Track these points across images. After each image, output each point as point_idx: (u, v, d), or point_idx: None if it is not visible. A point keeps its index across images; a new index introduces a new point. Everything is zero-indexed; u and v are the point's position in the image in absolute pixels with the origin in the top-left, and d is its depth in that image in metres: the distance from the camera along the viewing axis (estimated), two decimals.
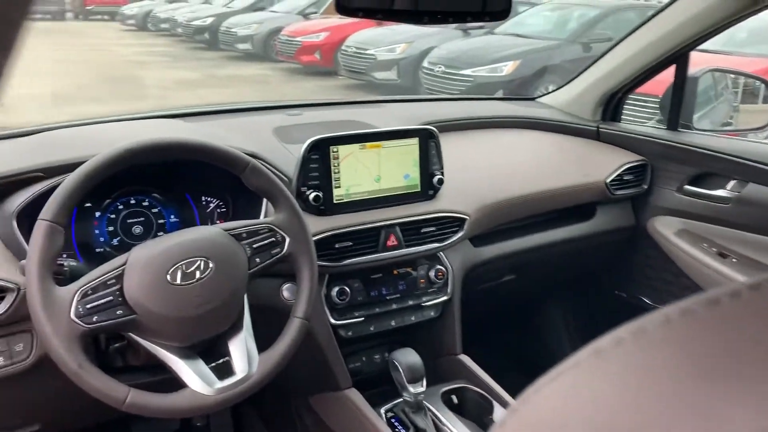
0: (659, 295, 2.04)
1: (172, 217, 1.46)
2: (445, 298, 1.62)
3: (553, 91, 2.30)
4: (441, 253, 1.61)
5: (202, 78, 9.84)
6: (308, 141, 1.42)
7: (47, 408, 1.32)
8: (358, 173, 1.49)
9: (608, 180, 1.90)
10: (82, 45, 13.43)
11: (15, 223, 1.21)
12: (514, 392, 1.56)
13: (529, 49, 7.35)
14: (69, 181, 1.06)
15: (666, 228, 1.93)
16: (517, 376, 2.23)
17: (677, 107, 1.94)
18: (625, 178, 1.94)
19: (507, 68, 7.11)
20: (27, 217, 1.17)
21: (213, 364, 1.14)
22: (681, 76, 1.90)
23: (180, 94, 8.30)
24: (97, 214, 1.39)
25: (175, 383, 1.10)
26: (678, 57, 1.86)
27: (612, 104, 2.08)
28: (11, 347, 1.21)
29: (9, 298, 1.17)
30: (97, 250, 1.39)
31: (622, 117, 2.14)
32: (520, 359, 2.32)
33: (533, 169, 1.85)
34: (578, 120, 2.10)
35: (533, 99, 2.32)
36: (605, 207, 1.97)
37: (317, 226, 1.42)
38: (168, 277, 1.08)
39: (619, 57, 1.98)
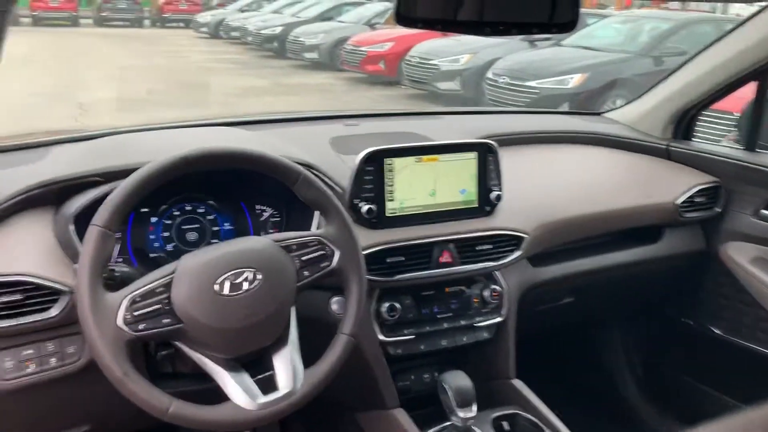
0: (730, 325, 1.91)
1: (227, 224, 1.46)
2: (499, 319, 1.56)
3: (622, 106, 2.21)
4: (497, 272, 1.55)
5: (269, 86, 10.03)
6: (363, 153, 1.39)
7: (96, 410, 1.33)
8: (413, 187, 1.45)
9: (678, 201, 1.80)
10: (157, 51, 13.94)
11: (72, 227, 1.23)
12: (569, 421, 1.49)
13: (597, 62, 7.16)
14: (122, 188, 1.06)
15: (740, 254, 1.81)
16: (573, 404, 2.13)
17: (756, 126, 1.82)
18: (697, 200, 1.83)
19: (574, 81, 6.95)
20: (84, 220, 1.18)
21: (257, 378, 1.12)
22: (762, 93, 1.78)
23: (246, 101, 8.48)
24: (154, 219, 1.40)
25: (221, 394, 1.09)
26: (760, 73, 1.75)
27: (684, 121, 1.97)
28: (63, 349, 1.22)
29: (62, 301, 1.18)
30: (152, 255, 1.40)
31: (695, 135, 2.03)
32: (576, 386, 2.22)
33: (598, 188, 1.77)
34: (647, 137, 2.00)
35: (600, 114, 2.23)
36: (674, 230, 1.86)
37: (369, 239, 1.39)
38: (216, 287, 1.06)
39: (695, 72, 1.87)
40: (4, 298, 1.14)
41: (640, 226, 1.80)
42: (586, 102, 6.76)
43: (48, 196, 1.30)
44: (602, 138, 1.98)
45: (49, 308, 1.18)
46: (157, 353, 1.28)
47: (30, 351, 1.20)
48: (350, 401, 1.63)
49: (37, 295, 1.17)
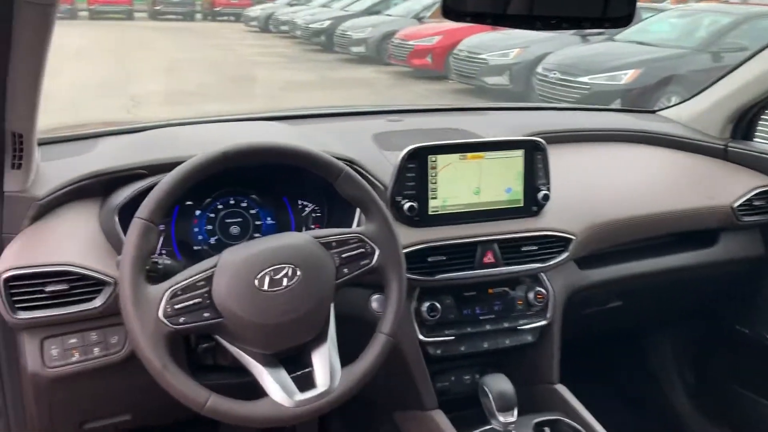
0: None
1: (269, 219, 1.46)
2: (543, 322, 1.51)
3: (677, 104, 2.12)
4: (542, 274, 1.51)
5: (315, 80, 10.08)
6: (406, 149, 1.37)
7: (138, 400, 1.35)
8: (457, 184, 1.42)
9: (736, 204, 1.72)
10: (208, 45, 14.18)
11: (116, 218, 1.24)
12: (615, 428, 1.44)
13: (652, 58, 6.94)
14: (165, 181, 1.06)
15: None
16: (618, 412, 2.07)
17: None
18: (756, 203, 1.75)
19: (627, 77, 6.75)
20: (128, 212, 1.19)
21: (295, 374, 1.11)
22: None
23: (292, 94, 8.54)
24: (198, 212, 1.41)
25: (260, 389, 1.09)
26: None
27: (744, 121, 1.88)
28: (107, 339, 1.24)
29: (106, 292, 1.20)
30: (195, 248, 1.41)
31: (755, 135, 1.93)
32: (622, 393, 2.16)
33: (650, 189, 1.70)
34: (704, 137, 1.92)
35: (654, 112, 2.15)
36: (730, 234, 1.78)
37: (410, 237, 1.37)
38: (256, 282, 1.06)
39: (757, 69, 1.78)
40: (50, 288, 1.17)
41: (694, 229, 1.73)
42: (639, 99, 6.56)
43: (95, 188, 1.32)
44: (656, 137, 1.91)
45: (93, 298, 1.20)
46: (198, 346, 1.29)
47: (74, 340, 1.22)
48: (388, 400, 1.61)
49: (82, 285, 1.19)
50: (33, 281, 1.16)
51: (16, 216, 1.24)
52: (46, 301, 1.17)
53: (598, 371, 2.01)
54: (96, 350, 1.23)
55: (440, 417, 1.42)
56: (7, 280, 1.15)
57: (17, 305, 1.16)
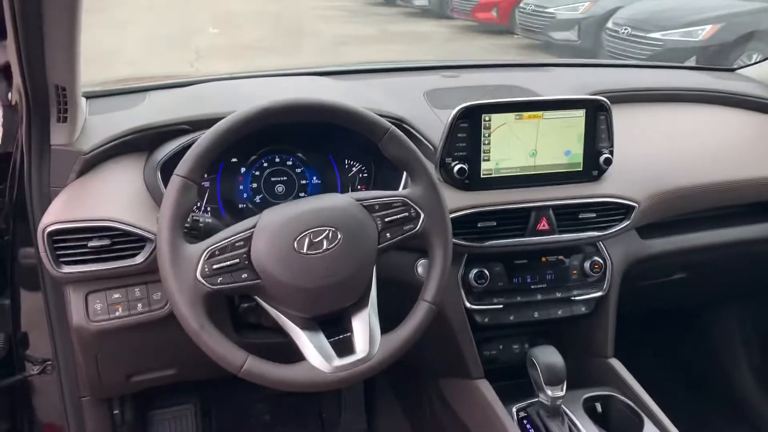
0: None
1: (314, 178, 1.42)
2: (599, 293, 1.43)
3: (759, 61, 1.94)
4: (600, 242, 1.42)
5: (376, 33, 9.91)
6: (458, 107, 1.29)
7: (182, 355, 1.36)
8: (511, 146, 1.34)
9: None
10: None
11: (159, 174, 1.23)
12: (672, 407, 1.36)
13: (732, 12, 6.47)
14: (204, 138, 1.03)
15: None
16: (676, 391, 1.98)
17: None
18: None
19: (704, 33, 6.33)
20: (171, 168, 1.17)
21: (334, 339, 1.08)
22: None
23: (351, 49, 8.42)
24: (243, 169, 1.38)
25: (298, 352, 1.07)
26: None
27: None
28: (150, 295, 1.24)
29: (148, 248, 1.19)
30: (240, 206, 1.38)
31: None
32: (680, 371, 2.05)
33: (725, 154, 1.57)
34: None
35: (732, 70, 1.98)
36: None
37: (459, 201, 1.30)
38: (295, 244, 1.02)
39: None
40: (93, 243, 1.16)
41: None
42: (717, 57, 6.16)
43: (141, 143, 1.31)
44: (735, 97, 1.75)
45: (135, 255, 1.19)
46: (240, 305, 1.28)
47: (118, 295, 1.22)
48: (433, 367, 1.58)
49: (125, 241, 1.19)
50: (76, 236, 1.16)
51: (63, 170, 1.24)
52: (89, 256, 1.18)
53: (656, 347, 1.92)
54: (139, 306, 1.23)
55: (486, 387, 1.38)
56: (51, 234, 1.15)
57: (61, 259, 1.17)
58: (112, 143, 1.27)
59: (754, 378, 1.99)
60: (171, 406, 1.87)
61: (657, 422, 1.29)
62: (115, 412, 1.58)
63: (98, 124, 1.31)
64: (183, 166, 1.02)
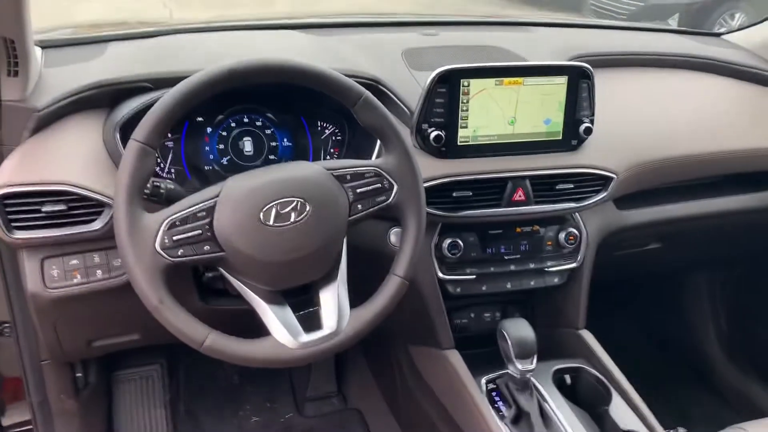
0: None
1: (285, 140, 1.36)
2: (573, 265, 1.42)
3: (746, 27, 1.90)
4: (576, 213, 1.40)
5: None
6: (436, 71, 1.23)
7: (146, 321, 1.31)
8: (490, 113, 1.29)
9: None
10: None
11: (118, 135, 1.16)
12: (639, 376, 1.37)
13: None
14: (164, 100, 0.96)
15: None
16: (646, 357, 2.00)
17: None
18: None
19: None
20: (131, 130, 1.11)
21: (301, 313, 1.05)
22: None
23: None
24: (209, 129, 1.31)
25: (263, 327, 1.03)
26: None
27: None
28: (110, 261, 1.19)
29: (107, 214, 1.13)
30: (206, 167, 1.32)
31: None
32: (651, 337, 2.07)
33: (708, 124, 1.54)
34: None
35: (718, 35, 1.93)
36: None
37: (435, 169, 1.26)
38: (261, 216, 0.97)
39: None
40: (47, 208, 1.10)
41: (750, 171, 1.58)
42: (700, 15, 6.08)
43: (100, 99, 1.23)
44: (719, 64, 1.70)
45: (93, 220, 1.14)
46: (205, 274, 1.23)
47: (75, 261, 1.17)
48: (403, 335, 1.56)
49: (81, 206, 1.12)
50: (29, 200, 1.10)
51: (15, 127, 1.16)
52: (43, 221, 1.11)
53: (626, 315, 1.93)
54: (98, 273, 1.18)
55: (455, 358, 1.36)
56: (2, 197, 1.08)
57: (13, 224, 1.10)
58: (69, 99, 1.19)
59: (720, 345, 2.01)
60: (137, 366, 1.84)
61: (624, 395, 1.29)
62: (77, 374, 1.54)
63: (54, 78, 1.23)
64: (140, 131, 0.95)
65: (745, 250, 1.89)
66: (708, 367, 2.02)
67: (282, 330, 1.00)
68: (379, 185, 1.06)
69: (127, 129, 1.14)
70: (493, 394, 1.29)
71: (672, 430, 1.83)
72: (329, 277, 1.06)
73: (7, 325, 1.42)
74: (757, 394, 1.89)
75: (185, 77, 0.99)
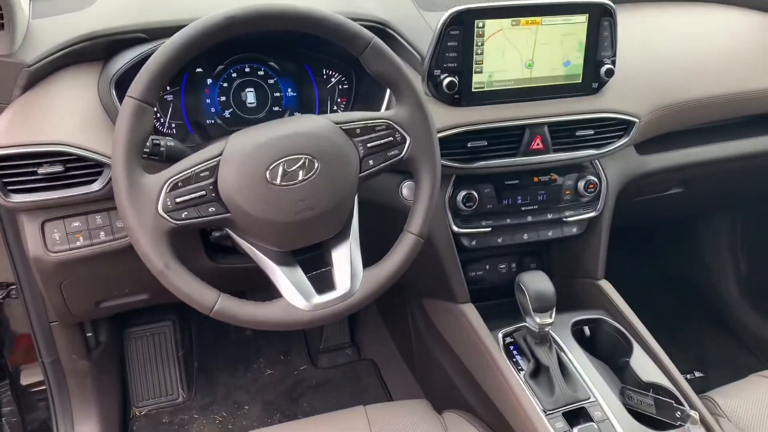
0: None
1: (289, 90, 1.29)
2: (593, 214, 1.37)
3: None
4: (596, 160, 1.34)
5: None
6: (448, 12, 1.15)
7: (152, 282, 1.28)
8: (506, 56, 1.21)
9: None
10: None
11: (114, 90, 1.10)
12: (659, 322, 1.33)
13: None
14: (160, 53, 0.89)
15: None
16: (665, 301, 1.96)
17: None
18: None
19: None
20: (128, 83, 1.04)
21: (313, 273, 1.01)
22: None
23: None
24: (209, 81, 1.25)
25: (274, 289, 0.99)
26: None
27: None
28: (113, 223, 1.15)
29: (107, 173, 1.08)
30: (208, 121, 1.27)
31: None
32: (670, 283, 2.03)
33: (734, 61, 1.45)
34: None
35: None
36: None
37: (448, 119, 1.19)
38: (267, 175, 0.92)
39: None
40: (44, 169, 1.05)
41: None
42: None
43: (95, 51, 1.16)
44: None
45: (93, 181, 1.09)
46: (212, 233, 1.19)
47: (78, 223, 1.13)
48: (417, 288, 1.53)
49: (80, 166, 1.07)
50: (24, 161, 1.05)
51: (6, 84, 1.10)
52: (40, 183, 1.07)
53: (644, 259, 1.88)
54: (102, 234, 1.14)
55: (471, 311, 1.33)
56: None
57: (9, 187, 1.06)
58: (61, 52, 1.12)
59: (739, 289, 1.98)
60: (148, 324, 1.83)
61: (645, 347, 1.26)
62: (88, 334, 1.52)
63: (43, 30, 1.15)
64: (136, 87, 0.89)
65: (766, 192, 1.83)
66: (726, 310, 1.99)
67: (294, 292, 0.97)
68: (391, 138, 1.00)
69: (123, 83, 1.07)
70: (511, 347, 1.26)
71: (689, 374, 1.82)
72: (341, 236, 1.02)
73: (13, 287, 1.40)
74: None
75: (182, 27, 0.92)
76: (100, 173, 1.08)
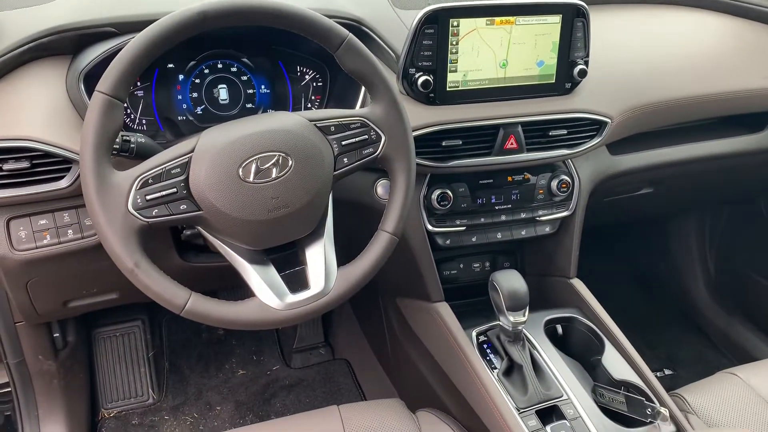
0: None
1: (263, 87, 1.28)
2: (566, 213, 1.38)
3: None
4: (569, 160, 1.35)
5: None
6: (423, 10, 1.15)
7: (122, 280, 1.26)
8: (481, 55, 1.21)
9: None
10: None
11: (82, 86, 1.07)
12: (629, 320, 1.35)
13: None
14: (130, 47, 0.88)
15: None
16: (633, 303, 1.99)
17: None
18: None
19: None
20: (96, 79, 1.02)
21: (286, 272, 0.99)
22: None
23: None
24: (181, 77, 1.23)
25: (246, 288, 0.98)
26: None
27: None
28: (81, 220, 1.12)
29: (75, 170, 1.06)
30: (179, 118, 1.25)
31: None
32: (637, 281, 2.06)
33: (704, 63, 1.48)
34: None
35: None
36: None
37: (423, 117, 1.19)
38: (240, 172, 0.91)
39: None
40: (9, 165, 1.02)
41: (746, 113, 1.53)
42: None
43: (63, 45, 1.13)
44: (717, 0, 1.63)
45: (60, 178, 1.06)
46: (183, 231, 1.17)
47: (44, 221, 1.10)
48: (392, 288, 1.52)
49: (46, 163, 1.05)
50: None
51: None
52: (6, 180, 1.04)
53: (615, 258, 1.91)
54: (69, 233, 1.12)
55: (446, 310, 1.33)
56: None
57: None
58: (28, 45, 1.10)
59: (707, 288, 2.01)
60: (117, 323, 1.80)
61: (617, 345, 1.27)
62: (55, 335, 1.49)
63: (10, 22, 1.12)
64: (105, 82, 0.87)
65: (734, 193, 1.87)
66: (695, 309, 2.03)
67: (267, 291, 0.96)
68: (366, 137, 0.99)
69: (92, 78, 1.05)
70: (485, 346, 1.26)
71: (659, 372, 1.85)
72: (315, 234, 1.01)
73: None
74: (742, 336, 1.91)
75: (153, 21, 0.90)
76: (68, 170, 1.06)
